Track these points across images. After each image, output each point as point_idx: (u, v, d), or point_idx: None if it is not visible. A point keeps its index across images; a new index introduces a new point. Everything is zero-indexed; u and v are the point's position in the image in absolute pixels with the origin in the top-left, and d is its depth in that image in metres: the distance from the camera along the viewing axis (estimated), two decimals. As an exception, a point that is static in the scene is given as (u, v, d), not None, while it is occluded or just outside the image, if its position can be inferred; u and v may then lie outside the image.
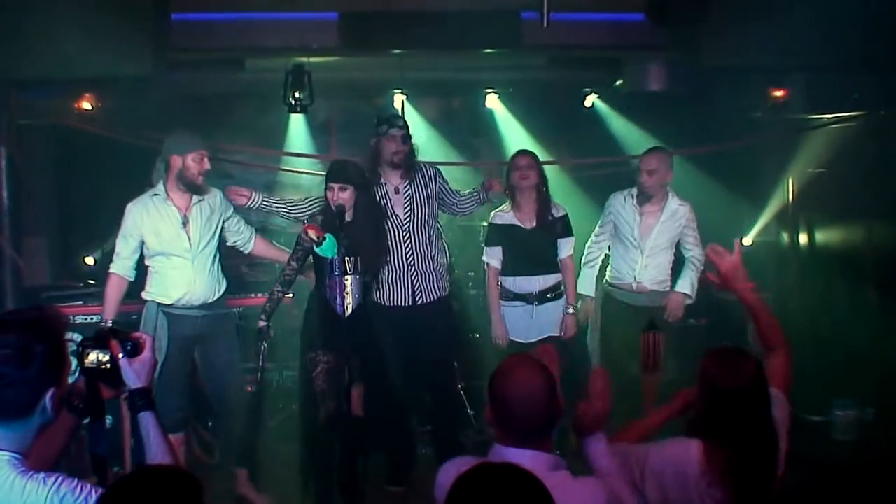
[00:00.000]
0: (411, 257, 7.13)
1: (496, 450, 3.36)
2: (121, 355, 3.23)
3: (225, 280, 7.13)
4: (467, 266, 9.05)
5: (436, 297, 7.23)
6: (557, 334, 7.41)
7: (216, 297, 6.98)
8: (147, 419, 3.22)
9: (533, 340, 7.28)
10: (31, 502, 2.79)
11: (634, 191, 7.71)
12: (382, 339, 6.99)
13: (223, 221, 7.11)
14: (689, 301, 7.76)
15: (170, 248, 6.85)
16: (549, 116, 11.21)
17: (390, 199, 7.13)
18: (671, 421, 4.38)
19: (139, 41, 7.27)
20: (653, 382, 6.66)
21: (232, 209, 7.18)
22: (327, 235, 6.24)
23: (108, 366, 3.23)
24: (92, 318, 7.93)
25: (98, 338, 3.29)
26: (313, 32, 8.52)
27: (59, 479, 2.84)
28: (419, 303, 7.15)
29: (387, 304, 7.13)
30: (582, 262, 7.89)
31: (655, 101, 10.15)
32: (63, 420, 3.22)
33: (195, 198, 6.93)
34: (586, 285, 7.82)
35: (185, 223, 6.85)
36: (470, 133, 11.63)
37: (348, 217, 6.61)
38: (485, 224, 10.25)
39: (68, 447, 3.40)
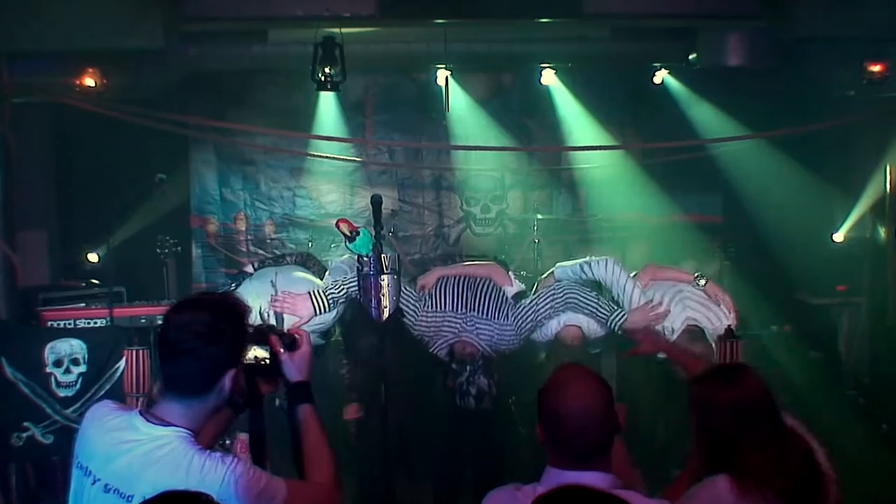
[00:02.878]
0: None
1: (550, 473, 3.28)
2: (281, 350, 3.58)
3: None
4: (519, 264, 8.95)
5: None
6: None
7: None
8: (306, 412, 3.58)
9: None
10: (210, 480, 3.10)
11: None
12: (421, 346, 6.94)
13: None
14: None
15: None
16: (613, 94, 11.11)
17: None
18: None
19: (148, 10, 7.22)
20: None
21: None
22: (361, 230, 6.14)
23: (267, 362, 3.57)
24: (96, 322, 7.89)
25: (257, 335, 3.60)
26: (346, -1, 8.43)
27: (236, 460, 3.20)
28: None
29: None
30: None
31: (734, 77, 9.96)
32: (220, 413, 3.58)
33: None
34: None
35: None
36: (523, 113, 11.51)
37: None
38: (539, 217, 10.20)
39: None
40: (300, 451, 3.54)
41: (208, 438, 3.49)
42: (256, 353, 3.54)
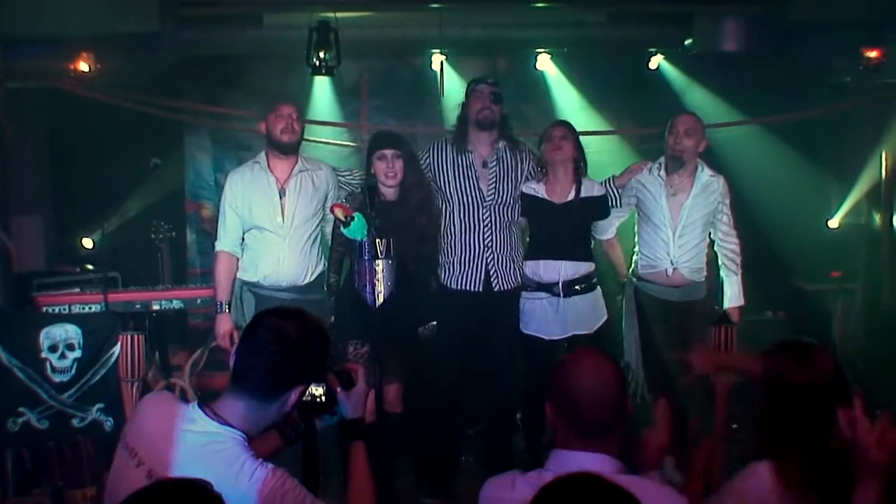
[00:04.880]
0: (489, 238, 6.99)
1: (558, 455, 3.25)
2: (338, 388, 3.62)
3: (323, 262, 7.05)
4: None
5: (513, 284, 7.08)
6: (588, 332, 7.12)
7: (307, 280, 6.95)
8: (359, 450, 3.64)
9: (557, 338, 7.09)
10: (257, 488, 3.13)
11: (661, 160, 7.29)
12: (438, 328, 6.87)
13: (328, 201, 7.00)
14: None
15: (262, 221, 6.85)
16: (608, 80, 11.07)
17: (475, 172, 6.98)
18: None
19: (144, -7, 7.20)
20: (725, 382, 6.51)
21: (337, 189, 7.09)
22: (356, 215, 6.13)
23: (323, 398, 3.59)
24: (91, 308, 7.89)
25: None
26: (340, -16, 8.42)
27: (285, 474, 3.22)
28: (495, 289, 7.02)
29: (455, 287, 7.01)
30: None
31: (730, 62, 9.92)
32: (270, 438, 3.72)
33: (297, 168, 6.89)
34: None
35: (281, 195, 6.84)
36: (518, 98, 11.42)
37: (392, 196, 6.53)
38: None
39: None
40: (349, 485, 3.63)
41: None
42: (313, 390, 3.57)
